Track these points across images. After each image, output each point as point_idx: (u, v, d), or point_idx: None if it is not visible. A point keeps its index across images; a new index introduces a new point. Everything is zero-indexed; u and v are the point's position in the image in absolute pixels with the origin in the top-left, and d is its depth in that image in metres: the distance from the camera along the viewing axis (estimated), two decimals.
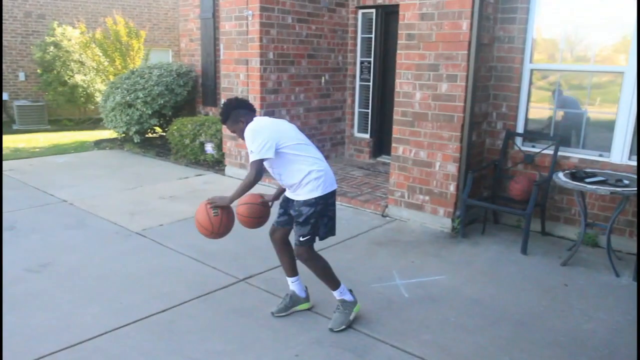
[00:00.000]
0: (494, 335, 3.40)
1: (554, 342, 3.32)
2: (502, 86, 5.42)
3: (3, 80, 13.44)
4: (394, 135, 5.61)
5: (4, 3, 13.14)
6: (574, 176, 4.49)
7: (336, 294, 3.47)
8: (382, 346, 3.25)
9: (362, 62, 8.10)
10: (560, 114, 5.33)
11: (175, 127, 8.55)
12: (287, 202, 3.48)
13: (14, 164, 8.13)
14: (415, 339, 3.32)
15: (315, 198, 3.29)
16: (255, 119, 3.37)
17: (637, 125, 4.78)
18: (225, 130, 7.60)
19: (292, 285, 3.62)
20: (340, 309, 3.45)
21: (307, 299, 3.67)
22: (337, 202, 6.09)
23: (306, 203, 3.29)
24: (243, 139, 3.33)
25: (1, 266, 4.05)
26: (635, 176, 4.47)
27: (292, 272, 3.62)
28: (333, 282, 3.47)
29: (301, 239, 3.34)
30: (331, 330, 3.39)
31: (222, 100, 7.66)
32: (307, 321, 3.52)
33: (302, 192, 3.30)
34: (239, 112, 3.36)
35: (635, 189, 4.17)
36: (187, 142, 8.30)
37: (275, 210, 3.56)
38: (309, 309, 3.66)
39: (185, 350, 3.15)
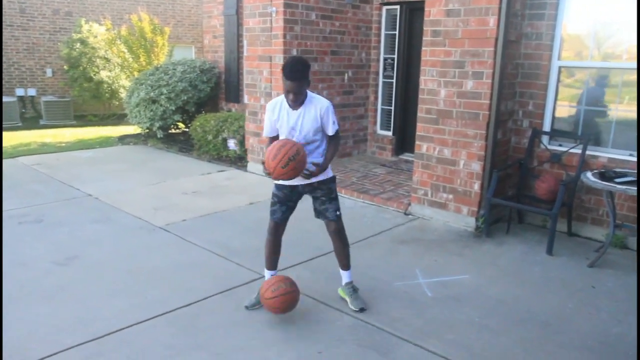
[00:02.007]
0: (519, 336, 3.35)
1: (581, 345, 3.26)
2: (528, 84, 5.33)
3: (32, 76, 13.73)
4: (417, 133, 5.57)
5: (33, 1, 13.40)
6: (603, 176, 4.40)
7: (348, 275, 3.72)
8: (405, 345, 3.22)
9: (385, 59, 8.05)
10: (588, 112, 5.22)
11: (199, 123, 8.63)
12: (291, 194, 3.56)
13: (42, 158, 8.30)
14: (438, 339, 3.29)
15: (334, 175, 3.62)
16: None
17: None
18: (248, 127, 7.63)
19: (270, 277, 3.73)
20: (354, 289, 3.70)
21: None
22: (359, 200, 6.14)
23: (332, 180, 3.57)
24: (296, 100, 3.30)
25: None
26: None
27: (275, 265, 3.75)
28: (349, 259, 3.72)
29: (337, 213, 3.57)
30: (363, 310, 3.57)
31: (246, 97, 7.69)
32: (330, 318, 3.52)
33: (327, 171, 3.51)
34: (309, 77, 3.33)
35: None
36: (210, 138, 8.36)
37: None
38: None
39: (208, 345, 3.18)
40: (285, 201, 3.57)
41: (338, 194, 3.69)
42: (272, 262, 3.71)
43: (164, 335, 3.27)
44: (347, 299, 3.66)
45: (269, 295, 3.37)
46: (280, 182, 3.51)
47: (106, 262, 4.36)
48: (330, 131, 3.44)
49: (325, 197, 3.54)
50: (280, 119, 3.44)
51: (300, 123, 3.38)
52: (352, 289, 3.69)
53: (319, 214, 3.62)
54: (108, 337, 3.23)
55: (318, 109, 3.36)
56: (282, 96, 3.42)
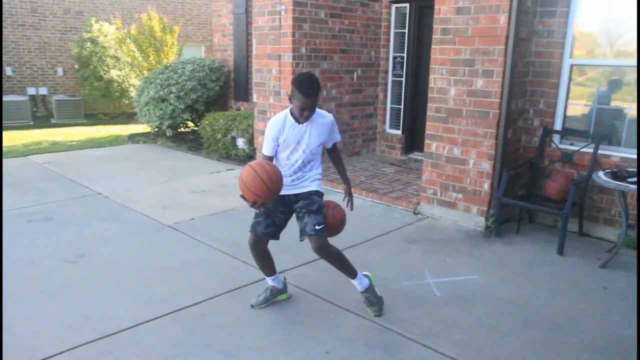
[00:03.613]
0: (528, 337, 3.31)
1: (592, 347, 3.22)
2: (539, 82, 5.27)
3: (43, 75, 13.82)
4: (427, 132, 5.53)
5: (44, 0, 13.48)
6: (615, 175, 4.34)
7: (357, 284, 3.50)
8: (414, 345, 3.20)
9: (394, 58, 8.01)
10: (600, 110, 5.15)
11: (208, 122, 8.64)
12: (278, 205, 3.40)
13: (52, 157, 8.35)
14: (447, 339, 3.26)
15: (322, 191, 3.50)
16: None
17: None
18: (257, 126, 7.63)
19: (272, 282, 3.63)
20: (370, 296, 3.51)
21: (285, 290, 3.72)
22: (368, 198, 6.11)
23: (318, 193, 3.42)
24: (309, 117, 3.26)
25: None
26: None
27: (272, 271, 3.61)
28: (351, 269, 3.48)
29: (317, 227, 3.26)
30: (379, 316, 3.49)
31: (255, 95, 7.68)
32: (338, 318, 3.50)
33: (315, 184, 3.44)
34: None
35: None
36: (219, 137, 8.37)
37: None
38: (286, 299, 3.74)
39: (216, 344, 3.17)
40: (271, 214, 3.39)
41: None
42: (267, 269, 3.58)
43: (171, 334, 3.27)
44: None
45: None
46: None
47: (114, 260, 4.37)
48: (336, 139, 3.55)
49: (305, 208, 3.31)
50: (286, 135, 3.31)
51: (307, 137, 3.33)
52: (366, 298, 3.54)
53: (300, 232, 3.36)
54: (116, 336, 3.23)
55: (324, 124, 3.38)
56: (285, 112, 3.33)
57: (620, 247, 4.44)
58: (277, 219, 3.43)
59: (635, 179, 4.22)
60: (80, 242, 4.77)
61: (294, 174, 3.40)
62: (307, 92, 3.12)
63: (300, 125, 3.31)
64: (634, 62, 4.85)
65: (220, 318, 3.48)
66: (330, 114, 3.49)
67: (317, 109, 3.33)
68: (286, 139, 3.33)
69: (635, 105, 4.92)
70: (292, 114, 3.31)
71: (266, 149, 3.38)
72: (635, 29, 4.81)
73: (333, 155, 3.66)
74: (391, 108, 8.23)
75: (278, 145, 3.35)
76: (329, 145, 3.56)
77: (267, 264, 3.57)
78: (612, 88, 5.16)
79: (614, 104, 5.12)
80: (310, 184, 3.43)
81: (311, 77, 3.17)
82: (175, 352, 3.08)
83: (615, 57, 5.02)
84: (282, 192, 3.30)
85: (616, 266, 4.37)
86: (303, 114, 3.22)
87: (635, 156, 4.81)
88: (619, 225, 4.81)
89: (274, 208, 3.40)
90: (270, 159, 3.39)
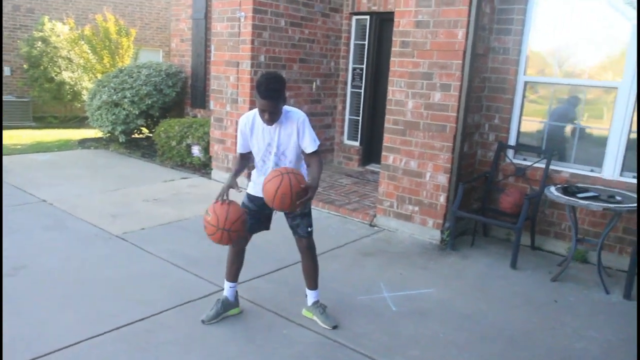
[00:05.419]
0: (484, 352, 3.30)
1: None
2: (495, 97, 5.36)
3: None
4: (384, 144, 5.52)
5: None
6: (565, 191, 4.43)
7: (315, 294, 3.59)
8: None
9: (354, 69, 8.02)
10: (552, 127, 5.27)
11: (162, 129, 8.40)
12: (264, 207, 3.28)
13: None
14: (403, 355, 3.21)
15: None
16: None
17: (637, 142, 4.68)
18: (213, 134, 7.46)
19: (230, 290, 3.57)
20: (323, 307, 3.57)
21: (237, 304, 3.63)
22: (324, 210, 6.04)
23: None
24: (271, 120, 3.12)
25: (1, 265, 3.88)
26: (628, 193, 4.43)
27: (236, 277, 3.58)
28: (317, 278, 3.60)
29: (309, 229, 3.44)
30: (336, 327, 3.46)
31: (212, 103, 7.52)
32: (292, 334, 3.40)
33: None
34: (285, 94, 3.13)
35: (629, 205, 4.12)
36: (174, 144, 8.14)
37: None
38: (238, 314, 3.62)
39: None
40: (255, 214, 3.40)
41: None
42: (233, 272, 3.55)
43: (115, 352, 3.09)
44: (317, 318, 3.52)
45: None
46: (252, 193, 3.40)
47: (57, 273, 4.13)
48: (309, 148, 3.20)
49: (298, 211, 3.35)
50: (255, 135, 3.26)
51: (276, 138, 3.22)
52: (321, 307, 3.55)
53: (290, 229, 3.48)
54: (54, 355, 3.02)
55: (292, 122, 3.20)
56: (255, 111, 3.24)
57: (570, 261, 4.53)
58: (262, 217, 3.47)
59: (584, 195, 4.32)
60: (20, 253, 4.48)
61: None
62: (264, 94, 3.01)
63: (269, 126, 3.20)
64: (585, 81, 5.01)
65: (168, 335, 3.31)
66: (302, 113, 3.25)
67: (288, 108, 3.22)
68: (256, 138, 3.27)
69: (583, 123, 5.07)
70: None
71: (238, 147, 3.38)
72: (586, 51, 4.97)
73: (309, 161, 3.31)
74: (349, 119, 8.22)
75: (251, 146, 3.32)
76: (306, 151, 3.26)
77: (237, 266, 3.54)
78: (564, 106, 5.29)
79: (564, 121, 5.26)
80: None
81: (270, 79, 3.03)
82: None
83: (566, 76, 5.15)
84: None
85: (566, 279, 4.45)
86: (264, 117, 3.11)
87: (584, 172, 4.96)
88: (569, 239, 4.91)
89: (258, 210, 3.40)
90: (243, 156, 3.41)
